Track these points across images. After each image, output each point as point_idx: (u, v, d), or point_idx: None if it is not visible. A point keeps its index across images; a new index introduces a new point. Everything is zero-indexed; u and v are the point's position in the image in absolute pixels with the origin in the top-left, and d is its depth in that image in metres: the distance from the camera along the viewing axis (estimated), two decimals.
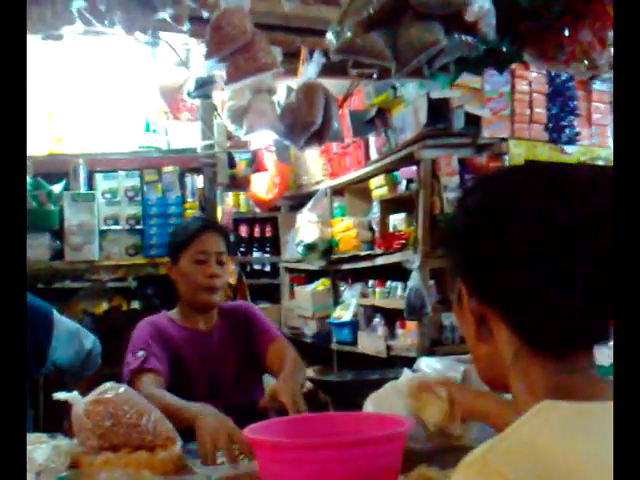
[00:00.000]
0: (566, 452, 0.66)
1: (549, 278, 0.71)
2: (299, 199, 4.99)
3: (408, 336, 3.68)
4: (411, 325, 3.62)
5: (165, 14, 1.43)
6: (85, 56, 2.96)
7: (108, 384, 1.47)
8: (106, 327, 2.99)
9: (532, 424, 0.69)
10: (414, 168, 3.39)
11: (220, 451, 1.47)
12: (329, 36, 1.55)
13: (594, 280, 0.71)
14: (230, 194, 4.74)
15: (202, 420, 1.53)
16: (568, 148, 3.05)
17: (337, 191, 4.60)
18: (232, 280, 3.48)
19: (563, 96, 3.02)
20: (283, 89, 2.56)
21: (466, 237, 0.78)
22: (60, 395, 1.44)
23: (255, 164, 3.73)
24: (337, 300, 4.64)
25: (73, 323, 2.17)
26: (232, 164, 3.42)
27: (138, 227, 3.06)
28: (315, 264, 4.67)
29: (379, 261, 3.91)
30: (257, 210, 5.11)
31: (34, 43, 1.89)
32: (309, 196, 4.72)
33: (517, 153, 2.95)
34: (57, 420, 1.80)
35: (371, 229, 4.06)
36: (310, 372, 4.52)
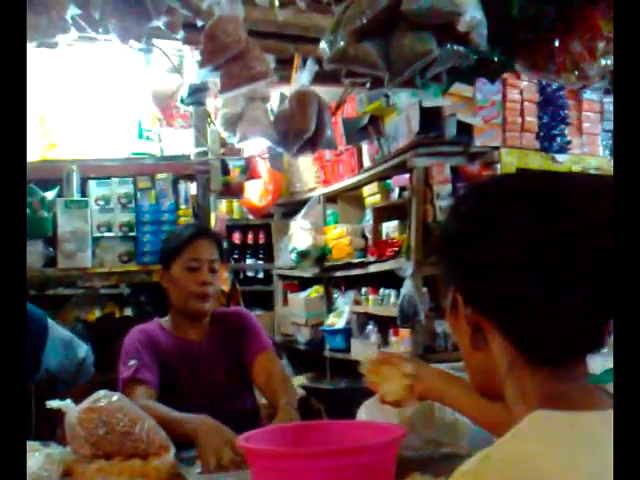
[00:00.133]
0: (558, 464, 0.66)
1: (543, 286, 0.72)
2: (292, 206, 4.99)
3: (401, 343, 3.68)
4: (404, 332, 3.63)
5: (159, 22, 1.44)
6: (78, 62, 2.96)
7: (101, 392, 1.47)
8: (99, 334, 2.97)
9: (525, 435, 0.70)
10: (407, 176, 3.41)
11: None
12: (322, 45, 1.56)
13: (588, 289, 0.72)
14: (224, 201, 4.74)
15: (204, 434, 1.52)
16: (559, 157, 3.07)
17: (330, 198, 4.61)
18: (225, 287, 3.47)
19: (554, 105, 3.05)
20: (276, 96, 2.57)
21: (460, 244, 0.79)
22: (53, 403, 1.44)
23: (249, 171, 3.74)
24: (330, 307, 4.64)
25: (67, 332, 2.16)
26: (225, 171, 3.42)
27: (131, 234, 3.06)
28: (308, 271, 4.67)
29: (372, 268, 3.92)
30: (250, 217, 5.12)
31: (28, 49, 1.89)
32: (302, 203, 4.73)
33: (509, 161, 2.98)
34: (50, 428, 1.79)
35: (364, 236, 4.07)
36: (303, 379, 4.51)
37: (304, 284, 4.99)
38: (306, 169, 4.78)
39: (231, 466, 1.45)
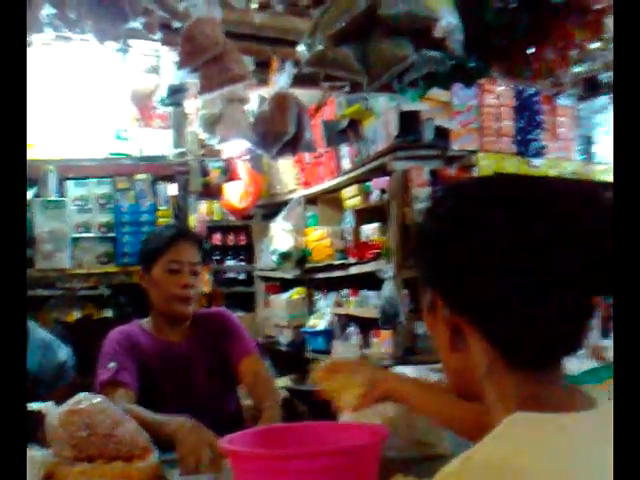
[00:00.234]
0: (538, 465, 0.67)
1: (521, 289, 0.72)
2: (273, 208, 4.99)
3: (382, 345, 3.70)
4: (385, 334, 3.64)
5: (136, 23, 1.44)
6: (55, 62, 2.94)
7: (83, 394, 1.45)
8: (78, 336, 2.95)
9: (505, 437, 0.70)
10: (386, 179, 3.43)
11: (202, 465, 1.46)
12: (301, 48, 1.56)
13: (565, 292, 0.72)
14: (204, 202, 4.73)
15: (183, 435, 1.51)
16: (535, 161, 3.11)
17: (311, 200, 4.61)
18: (206, 289, 3.47)
19: (530, 110, 3.09)
20: (255, 98, 2.57)
21: (438, 245, 0.78)
22: (34, 405, 1.42)
23: (228, 173, 3.74)
24: (312, 309, 4.64)
25: (47, 333, 2.14)
26: (205, 172, 3.42)
27: (110, 235, 3.04)
28: (290, 273, 4.67)
29: (353, 270, 3.93)
30: (231, 218, 5.11)
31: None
32: (283, 205, 4.73)
33: (486, 165, 3.01)
34: (31, 431, 1.77)
35: (344, 238, 4.08)
36: (286, 381, 4.51)
37: (285, 286, 4.99)
38: (286, 171, 4.79)
39: (210, 467, 1.45)
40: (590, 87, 1.82)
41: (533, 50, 1.65)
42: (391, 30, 1.43)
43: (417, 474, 1.25)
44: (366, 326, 3.94)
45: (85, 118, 3.22)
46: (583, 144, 3.33)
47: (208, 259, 2.07)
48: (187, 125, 3.13)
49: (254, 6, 1.50)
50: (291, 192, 4.78)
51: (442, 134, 3.08)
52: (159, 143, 3.30)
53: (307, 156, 4.31)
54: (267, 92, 2.50)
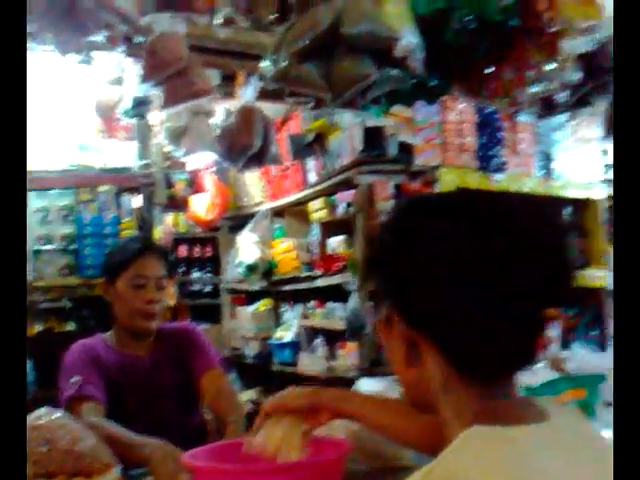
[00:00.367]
0: (494, 479, 0.68)
1: (478, 303, 0.73)
2: (239, 220, 4.98)
3: (348, 357, 3.71)
4: (351, 346, 3.66)
5: (98, 37, 1.43)
6: None
7: (43, 409, 1.42)
8: (39, 349, 2.89)
9: (461, 451, 0.71)
10: (352, 192, 3.47)
11: None
12: (265, 64, 1.58)
13: (521, 307, 0.73)
14: (170, 214, 4.69)
15: (158, 461, 1.48)
16: (496, 176, 3.19)
17: (278, 213, 4.62)
18: (172, 302, 3.44)
19: (491, 127, 3.17)
20: (221, 111, 2.58)
21: (393, 258, 0.79)
22: None
23: (194, 185, 3.72)
24: (278, 321, 4.63)
25: None
26: (170, 184, 3.40)
27: (72, 247, 3.00)
28: (256, 285, 4.66)
29: (319, 283, 3.94)
30: (197, 230, 5.08)
31: None
32: (249, 217, 4.73)
33: (448, 180, 3.07)
34: None
35: (311, 251, 4.09)
36: (252, 394, 4.48)
37: (252, 298, 4.97)
38: (253, 183, 4.79)
39: None
40: (547, 106, 1.88)
41: (492, 70, 1.70)
42: (354, 48, 1.46)
43: None
44: (332, 338, 3.94)
45: (47, 129, 3.18)
46: (542, 160, 3.42)
47: (174, 272, 2.03)
48: (152, 137, 3.11)
49: (218, 21, 1.51)
50: (258, 204, 4.78)
51: (406, 149, 3.14)
52: (123, 155, 3.27)
53: (274, 169, 4.31)
54: (233, 105, 2.50)
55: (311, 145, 3.71)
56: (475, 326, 0.73)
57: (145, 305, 1.87)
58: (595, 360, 2.20)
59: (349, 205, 3.60)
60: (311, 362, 4.03)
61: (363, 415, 1.15)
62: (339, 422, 1.38)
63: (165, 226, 3.65)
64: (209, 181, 4.39)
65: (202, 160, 3.05)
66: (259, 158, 2.52)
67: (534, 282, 0.73)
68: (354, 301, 3.38)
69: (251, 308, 4.81)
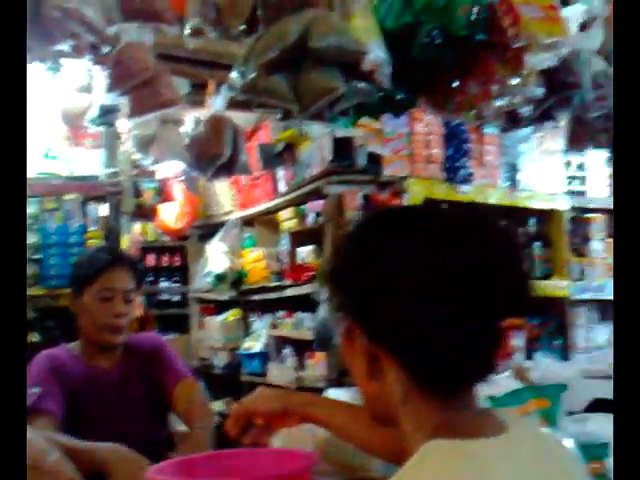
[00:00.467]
0: None
1: (435, 317, 0.74)
2: (209, 229, 4.95)
3: (317, 367, 3.71)
4: (320, 356, 3.66)
5: (64, 46, 1.42)
6: None
7: None
8: None
9: (421, 466, 0.72)
10: (321, 202, 3.48)
11: None
12: (233, 75, 1.58)
13: (478, 321, 0.75)
14: (137, 223, 4.64)
15: (115, 463, 1.46)
16: (463, 187, 3.24)
17: (248, 222, 4.61)
18: (139, 312, 3.39)
19: (458, 139, 3.23)
20: (191, 120, 2.56)
21: (354, 271, 0.79)
22: None
23: (163, 193, 3.69)
24: (247, 331, 4.61)
25: None
26: (138, 193, 3.37)
27: (36, 256, 2.94)
28: (225, 294, 4.63)
29: (288, 292, 3.94)
30: (165, 239, 5.03)
31: None
32: (219, 226, 4.70)
33: (416, 191, 3.11)
34: None
35: (280, 260, 4.09)
36: (220, 405, 4.44)
37: (221, 307, 4.93)
38: (223, 192, 4.77)
39: None
40: (511, 120, 1.92)
41: (457, 84, 1.73)
42: (322, 61, 1.48)
43: None
44: (301, 348, 3.94)
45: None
46: (508, 171, 3.48)
47: (142, 283, 2.01)
48: (120, 145, 3.08)
49: (187, 32, 1.51)
50: (227, 213, 4.76)
51: (374, 160, 3.17)
52: (90, 163, 3.23)
53: (244, 178, 4.31)
54: (203, 114, 2.49)
55: (281, 155, 3.72)
56: (434, 340, 0.74)
57: (112, 319, 1.84)
58: (558, 369, 2.24)
59: (318, 215, 3.62)
60: (280, 372, 4.02)
61: (330, 421, 1.15)
62: (308, 431, 1.38)
63: (132, 235, 3.60)
64: (178, 190, 4.36)
65: (171, 169, 3.03)
66: (228, 167, 2.51)
67: (491, 295, 0.75)
68: (323, 311, 3.39)
69: (220, 318, 4.77)
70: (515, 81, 1.72)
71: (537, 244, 3.55)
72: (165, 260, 5.27)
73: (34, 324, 3.30)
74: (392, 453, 1.07)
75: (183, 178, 3.42)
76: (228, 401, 4.57)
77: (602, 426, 1.82)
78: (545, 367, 2.23)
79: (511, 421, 0.80)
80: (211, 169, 2.47)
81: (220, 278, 4.46)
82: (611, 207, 4.16)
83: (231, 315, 4.72)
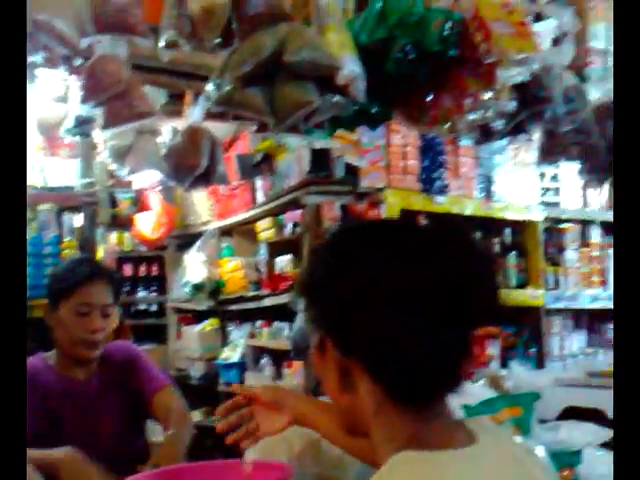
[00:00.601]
0: None
1: (408, 329, 0.75)
2: (187, 238, 4.93)
3: (294, 376, 3.71)
4: (297, 365, 3.66)
5: (37, 58, 1.41)
6: None
7: None
8: None
9: (387, 478, 0.73)
10: (299, 212, 3.49)
11: None
12: (209, 87, 1.59)
13: (448, 330, 0.75)
14: (114, 233, 4.61)
15: (68, 465, 1.45)
16: (439, 198, 3.28)
17: (225, 232, 4.60)
18: (115, 323, 3.35)
19: (433, 150, 3.27)
20: (169, 130, 2.56)
21: (328, 284, 0.80)
22: None
23: (139, 203, 3.67)
24: (225, 341, 4.59)
25: None
26: (114, 203, 3.34)
27: None
28: (203, 304, 4.61)
29: (266, 302, 3.94)
30: (143, 249, 5.00)
31: None
32: (197, 236, 4.69)
33: (393, 202, 3.14)
34: None
35: (258, 270, 4.09)
36: (197, 415, 4.40)
37: (199, 317, 4.91)
38: (201, 202, 4.76)
39: None
40: (484, 133, 1.95)
41: (431, 98, 1.75)
42: (297, 75, 1.49)
43: None
44: (279, 358, 3.94)
45: None
46: (483, 183, 3.53)
47: (120, 296, 1.98)
48: (96, 155, 3.06)
49: (162, 44, 1.51)
50: (206, 223, 4.75)
51: (352, 171, 3.20)
52: (66, 173, 3.20)
53: (222, 188, 4.31)
54: (181, 124, 2.49)
55: (259, 165, 3.73)
56: (410, 351, 0.75)
57: (88, 334, 1.81)
58: (532, 378, 2.27)
59: (296, 225, 3.63)
60: (257, 382, 4.00)
61: (320, 425, 1.17)
62: (283, 442, 1.38)
63: (108, 245, 3.58)
64: (155, 200, 4.34)
65: (147, 179, 3.01)
66: (206, 178, 2.50)
67: (466, 305, 0.76)
68: (300, 320, 3.39)
69: (197, 328, 4.75)
70: (488, 95, 1.74)
71: (512, 254, 3.59)
72: (142, 270, 5.23)
73: None
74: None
75: (160, 188, 3.40)
76: (205, 411, 4.54)
77: (574, 434, 1.85)
78: (519, 376, 2.26)
79: (481, 431, 0.81)
80: (188, 179, 2.46)
81: (198, 288, 4.45)
82: (584, 217, 4.25)
83: (209, 325, 4.70)
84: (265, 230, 4.03)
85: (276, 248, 3.88)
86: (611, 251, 3.92)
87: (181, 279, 4.61)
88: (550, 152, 2.12)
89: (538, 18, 2.11)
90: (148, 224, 4.43)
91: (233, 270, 4.31)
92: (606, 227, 3.97)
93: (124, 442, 1.87)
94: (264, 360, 4.09)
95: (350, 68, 1.49)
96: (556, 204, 3.82)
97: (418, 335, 0.75)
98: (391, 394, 0.78)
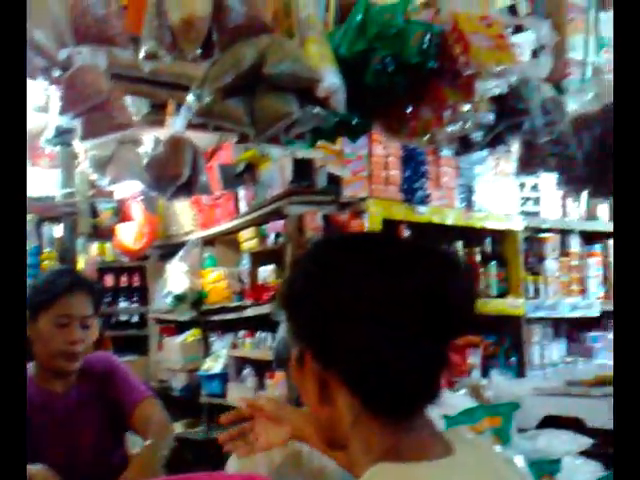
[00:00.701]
0: None
1: (383, 340, 0.75)
2: (169, 248, 4.91)
3: (277, 387, 3.69)
4: (280, 376, 3.64)
5: None
6: None
7: None
8: None
9: None
10: (282, 222, 3.50)
11: None
12: (190, 98, 1.59)
13: (425, 342, 0.76)
14: (95, 243, 4.57)
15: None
16: (421, 208, 3.31)
17: (208, 241, 4.59)
18: (95, 335, 3.32)
19: (415, 161, 3.29)
20: (151, 139, 2.55)
21: (307, 297, 0.80)
22: None
23: (121, 214, 3.65)
24: (207, 351, 4.56)
25: None
26: (95, 213, 3.32)
27: None
28: (185, 315, 4.58)
29: (249, 312, 3.92)
30: (124, 259, 4.96)
31: None
32: (179, 246, 4.67)
33: (375, 212, 3.16)
34: None
35: (241, 280, 4.08)
36: (179, 426, 4.36)
37: (181, 328, 4.88)
38: (183, 212, 4.74)
39: None
40: (464, 144, 1.98)
41: (410, 109, 1.77)
42: (277, 87, 1.49)
43: None
44: (262, 368, 3.92)
45: None
46: (464, 193, 3.57)
47: (100, 307, 1.95)
48: (76, 165, 3.04)
49: (142, 55, 1.51)
50: (188, 233, 4.73)
51: (334, 181, 3.21)
52: (47, 183, 3.18)
53: (204, 198, 4.30)
54: (163, 134, 2.48)
55: (242, 175, 3.73)
56: (388, 365, 0.75)
57: (68, 346, 1.79)
58: (512, 387, 2.28)
59: (279, 235, 3.63)
60: (240, 393, 3.98)
61: (318, 442, 1.16)
62: (262, 455, 1.37)
63: (89, 256, 3.55)
64: (136, 210, 4.32)
65: (129, 189, 2.99)
66: (188, 188, 2.50)
67: (446, 317, 0.77)
68: (283, 331, 3.38)
69: (179, 339, 4.72)
70: (466, 107, 1.77)
71: (493, 263, 3.62)
72: (124, 280, 5.18)
73: None
74: None
75: (142, 198, 3.39)
76: (186, 423, 4.51)
77: (553, 442, 1.87)
78: (499, 385, 2.27)
79: (458, 442, 0.81)
80: (170, 189, 2.45)
81: (180, 298, 4.42)
82: (564, 227, 4.29)
83: (191, 336, 4.67)
84: (248, 240, 4.03)
85: (259, 258, 3.88)
86: (590, 260, 3.97)
87: (163, 289, 4.59)
88: (528, 163, 2.14)
89: (519, 29, 2.14)
90: (130, 234, 4.40)
91: (216, 280, 4.29)
92: (585, 236, 4.02)
93: (104, 455, 1.85)
94: (246, 371, 4.07)
95: (330, 80, 1.50)
96: (536, 214, 3.86)
97: (400, 349, 0.75)
98: (370, 406, 0.78)
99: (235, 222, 4.10)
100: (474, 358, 3.25)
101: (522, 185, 3.75)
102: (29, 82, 2.36)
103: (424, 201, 3.32)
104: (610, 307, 3.85)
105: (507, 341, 3.57)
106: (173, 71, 2.13)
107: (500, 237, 3.72)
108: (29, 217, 2.94)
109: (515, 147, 2.19)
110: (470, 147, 2.00)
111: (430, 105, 1.73)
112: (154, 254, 5.07)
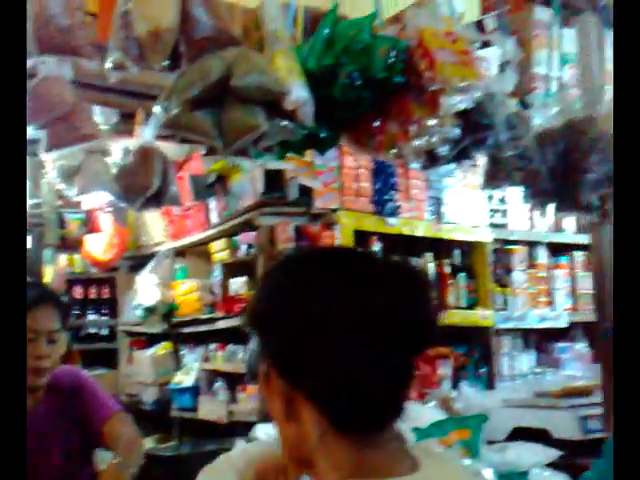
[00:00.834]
0: None
1: (347, 356, 0.75)
2: (139, 260, 4.85)
3: (249, 400, 3.66)
4: (252, 389, 3.62)
5: None
6: None
7: None
8: None
9: None
10: (253, 233, 3.49)
11: None
12: (157, 110, 1.58)
13: (390, 358, 0.76)
14: (64, 254, 4.49)
15: None
16: (391, 220, 3.33)
17: (179, 253, 4.54)
18: (62, 349, 3.26)
19: (385, 173, 3.33)
20: (120, 149, 2.52)
21: (273, 313, 0.80)
22: None
23: (89, 224, 3.59)
24: (178, 365, 4.50)
25: None
26: (62, 224, 3.26)
27: None
28: (156, 327, 4.52)
29: (220, 324, 3.89)
30: (94, 270, 4.89)
31: None
32: (150, 257, 4.61)
33: (347, 223, 3.18)
34: None
35: (213, 292, 4.05)
36: (149, 442, 4.28)
37: (152, 341, 4.81)
38: (154, 223, 4.69)
39: None
40: (430, 158, 2.00)
41: (377, 123, 1.79)
42: (244, 99, 1.50)
43: None
44: (234, 381, 3.88)
45: None
46: (433, 205, 3.60)
47: (68, 322, 1.92)
48: (43, 175, 2.99)
49: (109, 65, 1.50)
50: (159, 244, 4.68)
51: (306, 192, 3.22)
52: None
53: (175, 209, 4.26)
54: (132, 144, 2.45)
55: (213, 186, 3.71)
56: (359, 383, 0.75)
57: (34, 361, 1.77)
58: (481, 399, 2.31)
59: (251, 246, 3.61)
60: (212, 407, 3.94)
61: None
62: (230, 466, 1.35)
63: (57, 267, 3.48)
64: (106, 220, 4.27)
65: (97, 199, 2.96)
66: (158, 199, 2.48)
67: (415, 332, 0.77)
68: (255, 343, 3.36)
69: (150, 352, 4.65)
70: (432, 122, 1.79)
71: (462, 275, 3.66)
72: (93, 292, 5.11)
73: None
74: None
75: (111, 209, 3.35)
76: (157, 438, 4.43)
77: (521, 454, 1.89)
78: (468, 397, 2.29)
79: (425, 457, 0.81)
80: (140, 200, 2.43)
81: (150, 310, 4.37)
82: (531, 239, 4.33)
83: (162, 349, 4.61)
84: (220, 251, 4.00)
85: (231, 269, 3.86)
86: (557, 272, 4.04)
87: (133, 301, 4.52)
88: (494, 177, 2.18)
89: (486, 44, 2.18)
90: (99, 245, 4.34)
91: (187, 292, 4.25)
92: (552, 248, 4.09)
93: (72, 472, 1.83)
94: (218, 384, 4.03)
95: (298, 93, 1.50)
96: (504, 226, 3.91)
97: (372, 366, 0.75)
98: (338, 423, 0.78)
99: (206, 233, 4.07)
100: (445, 369, 3.27)
101: (490, 197, 3.80)
102: None
103: (394, 213, 3.35)
104: (577, 318, 3.92)
105: (477, 352, 3.60)
106: (143, 80, 2.12)
107: (469, 249, 3.76)
108: None
109: (482, 161, 2.22)
110: (436, 161, 2.02)
111: (396, 119, 1.75)
112: (124, 265, 5.00)
